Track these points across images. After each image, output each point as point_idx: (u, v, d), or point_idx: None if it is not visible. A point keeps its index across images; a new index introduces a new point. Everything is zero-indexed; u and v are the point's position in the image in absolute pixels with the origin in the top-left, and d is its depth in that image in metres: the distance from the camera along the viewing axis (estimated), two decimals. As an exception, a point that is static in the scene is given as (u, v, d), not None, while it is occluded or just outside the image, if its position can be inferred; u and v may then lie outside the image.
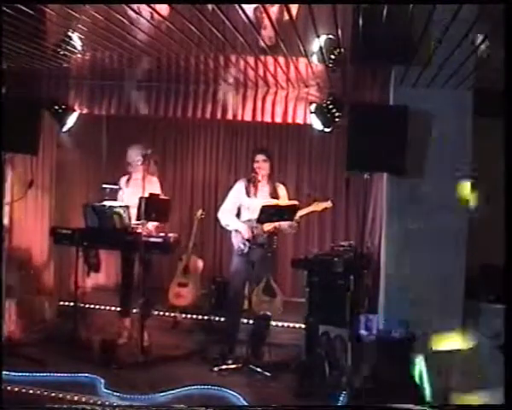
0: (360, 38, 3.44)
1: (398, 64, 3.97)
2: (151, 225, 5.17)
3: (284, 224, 5.03)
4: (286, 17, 3.42)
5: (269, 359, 5.02)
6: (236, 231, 5.09)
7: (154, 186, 5.34)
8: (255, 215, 4.83)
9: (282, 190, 5.26)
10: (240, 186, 5.24)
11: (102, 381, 4.43)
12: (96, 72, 5.28)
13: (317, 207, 5.18)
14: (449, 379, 3.82)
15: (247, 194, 5.16)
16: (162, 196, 5.27)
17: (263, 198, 5.04)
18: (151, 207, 4.85)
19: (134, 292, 5.37)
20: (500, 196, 2.93)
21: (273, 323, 5.43)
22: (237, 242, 5.10)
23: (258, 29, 3.64)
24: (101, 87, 5.57)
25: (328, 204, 5.19)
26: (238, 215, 5.21)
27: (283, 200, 5.17)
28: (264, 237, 5.00)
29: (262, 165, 5.10)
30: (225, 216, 5.22)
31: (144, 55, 4.55)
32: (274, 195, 5.14)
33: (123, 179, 5.51)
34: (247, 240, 4.99)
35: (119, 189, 5.43)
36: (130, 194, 5.32)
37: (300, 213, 5.05)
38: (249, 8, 3.35)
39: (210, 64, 4.72)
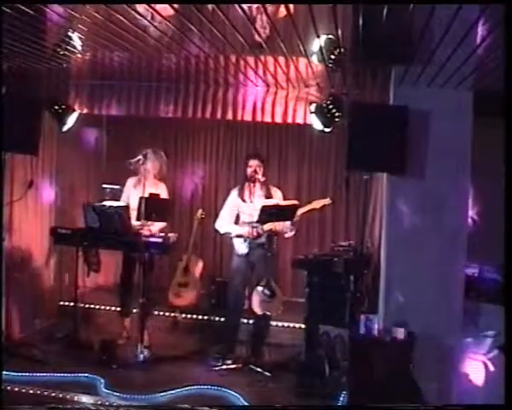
0: (360, 38, 3.44)
1: (398, 64, 3.97)
2: (151, 225, 5.16)
3: (282, 225, 5.03)
4: (286, 17, 3.42)
5: (269, 359, 5.02)
6: (237, 235, 5.09)
7: (160, 191, 5.30)
8: (254, 219, 4.83)
9: (276, 193, 5.26)
10: (234, 194, 5.25)
11: (102, 381, 4.44)
12: (96, 72, 5.28)
13: (317, 204, 5.18)
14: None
15: (243, 200, 5.16)
16: (162, 196, 5.26)
17: (259, 201, 5.03)
18: (151, 207, 4.85)
19: (134, 292, 5.38)
20: (500, 195, 2.92)
21: (273, 323, 5.43)
22: (238, 242, 5.10)
23: (258, 29, 3.64)
24: (101, 87, 5.57)
25: (327, 201, 5.20)
26: (237, 222, 5.22)
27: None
28: (265, 238, 5.00)
29: (257, 170, 5.09)
30: (223, 225, 5.23)
31: (144, 55, 4.54)
32: (269, 197, 5.14)
33: (131, 180, 5.48)
34: (248, 240, 4.99)
35: (120, 190, 5.41)
36: (136, 196, 5.29)
37: (300, 211, 5.05)
38: (249, 8, 3.35)
39: (210, 64, 4.72)
